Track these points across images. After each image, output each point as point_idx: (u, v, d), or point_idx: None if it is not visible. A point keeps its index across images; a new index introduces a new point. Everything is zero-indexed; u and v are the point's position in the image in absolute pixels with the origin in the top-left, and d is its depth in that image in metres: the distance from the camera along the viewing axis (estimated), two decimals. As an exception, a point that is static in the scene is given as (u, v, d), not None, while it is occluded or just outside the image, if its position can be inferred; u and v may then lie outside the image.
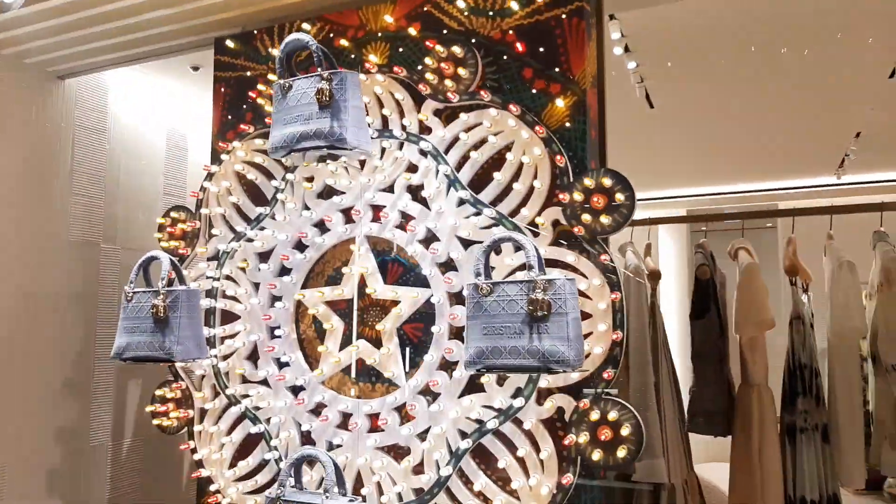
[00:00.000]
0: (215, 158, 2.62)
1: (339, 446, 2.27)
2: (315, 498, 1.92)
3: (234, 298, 2.50)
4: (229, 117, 2.63)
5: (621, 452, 1.90)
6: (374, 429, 2.26)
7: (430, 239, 2.23)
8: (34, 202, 3.02)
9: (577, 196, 2.01)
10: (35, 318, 2.98)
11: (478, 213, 2.15)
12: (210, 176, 2.57)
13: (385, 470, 2.19)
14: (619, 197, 1.96)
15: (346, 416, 2.31)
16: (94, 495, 3.41)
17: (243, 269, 2.49)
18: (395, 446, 2.22)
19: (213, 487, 2.42)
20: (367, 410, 2.24)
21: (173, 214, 2.60)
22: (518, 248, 1.96)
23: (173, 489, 3.93)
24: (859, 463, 2.32)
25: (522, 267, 2.07)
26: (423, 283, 2.25)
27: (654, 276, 2.58)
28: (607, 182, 1.97)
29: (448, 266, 2.20)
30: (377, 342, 2.30)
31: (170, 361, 2.14)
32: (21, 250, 2.95)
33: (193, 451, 2.50)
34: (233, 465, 2.44)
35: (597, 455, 1.93)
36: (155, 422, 2.53)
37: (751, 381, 2.39)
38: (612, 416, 1.91)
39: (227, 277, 2.52)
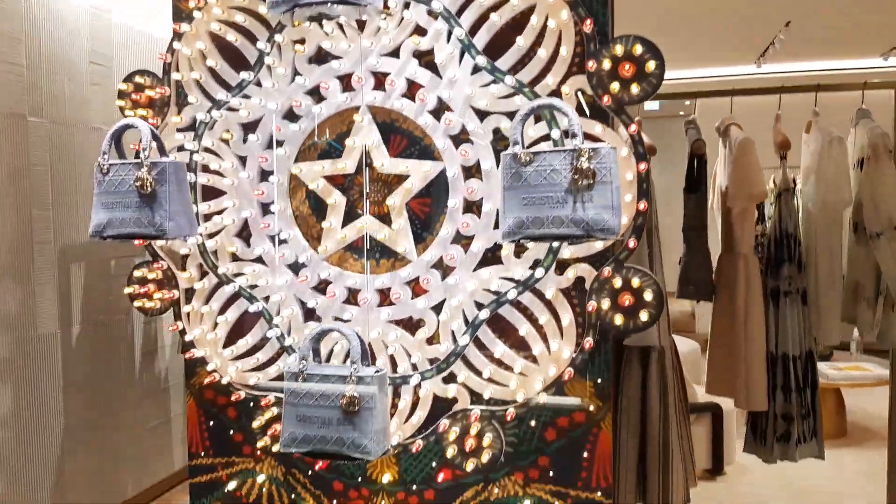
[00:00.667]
0: (178, 16, 2.31)
1: (347, 321, 2.24)
2: (342, 370, 1.90)
3: (217, 173, 2.30)
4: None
5: (644, 316, 1.99)
6: (382, 304, 2.23)
7: (441, 109, 2.12)
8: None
9: (606, 64, 1.95)
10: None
11: (495, 82, 2.06)
12: (179, 36, 2.27)
13: (399, 342, 2.20)
14: (650, 65, 1.93)
15: (352, 293, 2.26)
16: (46, 385, 3.23)
17: (226, 142, 2.28)
18: (407, 320, 2.22)
19: (209, 367, 2.33)
20: (378, 285, 2.20)
21: (138, 80, 2.30)
22: (540, 117, 1.91)
23: (127, 376, 3.79)
24: (836, 323, 2.58)
25: (545, 138, 2.03)
26: (429, 155, 2.17)
27: (651, 150, 2.64)
28: (638, 50, 1.92)
29: (457, 140, 2.12)
30: (382, 218, 2.22)
31: (161, 238, 1.97)
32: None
33: (182, 332, 2.38)
34: (227, 344, 2.36)
35: (619, 320, 2.02)
36: (136, 304, 2.37)
37: (737, 250, 2.55)
38: (636, 282, 1.99)
39: (207, 150, 2.31)
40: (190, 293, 2.38)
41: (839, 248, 2.58)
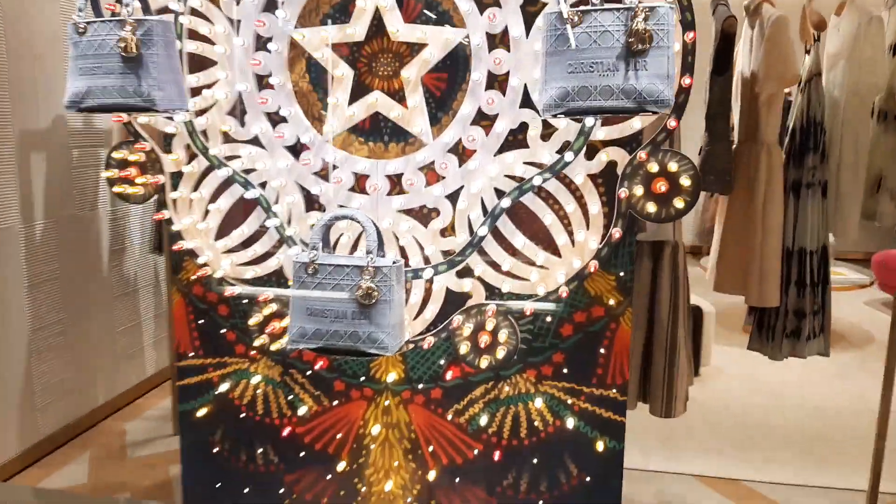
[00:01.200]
0: None
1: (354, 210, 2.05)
2: (357, 260, 1.74)
3: (207, 39, 2.02)
4: None
5: (679, 204, 1.85)
6: (393, 191, 2.05)
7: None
8: None
9: (657, -86, 1.71)
10: None
11: (527, -66, 1.80)
12: None
13: (411, 233, 2.03)
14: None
15: (359, 179, 2.06)
16: (10, 282, 3.00)
17: (216, 2, 1.99)
18: (419, 209, 2.04)
19: (200, 260, 2.14)
20: (390, 171, 2.01)
21: (105, -78, 1.96)
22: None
23: (95, 276, 3.57)
24: (855, 217, 2.50)
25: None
26: (447, 21, 1.93)
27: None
28: None
29: (479, 3, 1.87)
30: (392, 95, 2.00)
31: (149, 111, 1.72)
32: None
33: (169, 221, 2.16)
34: (220, 235, 2.16)
35: (651, 207, 1.88)
36: (116, 189, 2.13)
37: (761, 139, 2.40)
38: (672, 167, 1.83)
39: (195, 12, 2.01)
40: (177, 178, 2.15)
41: (866, 137, 2.45)
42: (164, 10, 2.00)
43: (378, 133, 2.05)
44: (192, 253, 2.18)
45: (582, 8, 1.51)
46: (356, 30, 1.93)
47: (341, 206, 2.06)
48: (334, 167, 2.04)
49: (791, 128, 2.47)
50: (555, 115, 1.60)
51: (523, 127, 1.93)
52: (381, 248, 1.77)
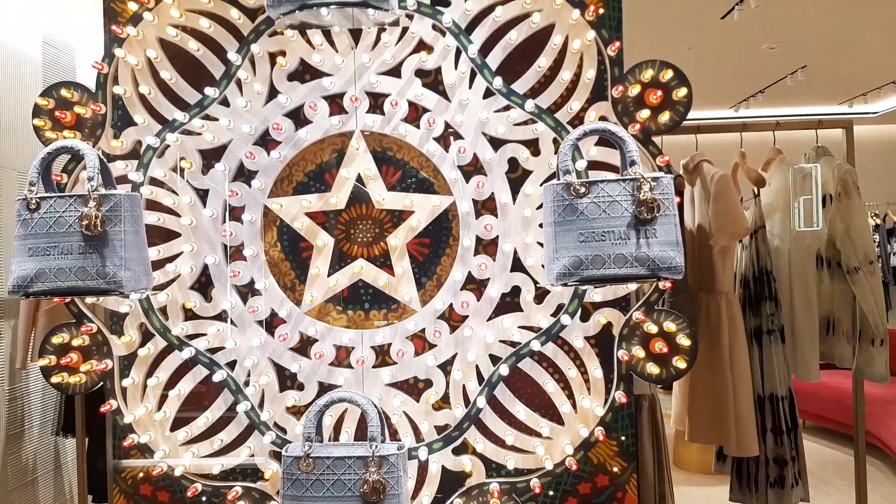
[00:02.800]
0: (110, 15, 1.88)
1: (336, 387, 1.86)
2: (358, 449, 1.54)
3: (169, 211, 1.87)
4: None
5: (680, 364, 1.81)
6: (379, 364, 1.89)
7: (444, 137, 1.87)
8: None
9: (634, 90, 1.81)
10: None
11: (510, 107, 1.84)
12: (120, 42, 1.85)
13: (402, 408, 1.85)
14: (678, 93, 1.81)
15: (340, 352, 1.89)
16: None
17: (181, 171, 1.87)
18: (408, 382, 1.89)
19: (157, 455, 1.84)
20: (378, 341, 1.86)
21: (63, 92, 1.83)
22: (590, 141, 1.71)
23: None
24: (815, 359, 2.56)
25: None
26: (427, 188, 1.90)
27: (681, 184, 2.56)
28: (668, 75, 1.79)
29: (463, 172, 1.87)
30: (373, 260, 1.90)
31: (114, 293, 1.52)
32: None
33: (116, 412, 1.87)
34: (178, 425, 1.88)
35: (654, 369, 1.82)
36: (54, 380, 1.83)
37: (717, 289, 2.47)
38: (670, 327, 1.81)
39: (155, 182, 1.87)
40: (125, 362, 1.89)
41: (814, 283, 2.59)
42: (122, 180, 1.84)
43: (358, 301, 1.93)
44: (142, 448, 1.88)
45: (589, 180, 1.52)
46: (339, 198, 1.86)
47: (329, 386, 1.87)
48: (314, 341, 1.87)
49: (743, 277, 2.58)
50: (567, 284, 1.55)
51: (515, 291, 1.87)
52: (384, 432, 1.59)
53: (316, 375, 1.87)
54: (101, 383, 1.87)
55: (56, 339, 1.84)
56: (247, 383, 1.87)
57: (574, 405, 1.86)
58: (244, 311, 1.87)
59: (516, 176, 1.88)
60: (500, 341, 1.86)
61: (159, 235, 1.88)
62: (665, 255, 1.50)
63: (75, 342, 1.84)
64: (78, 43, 3.46)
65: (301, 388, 1.88)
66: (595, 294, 1.84)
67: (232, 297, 1.87)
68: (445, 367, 1.87)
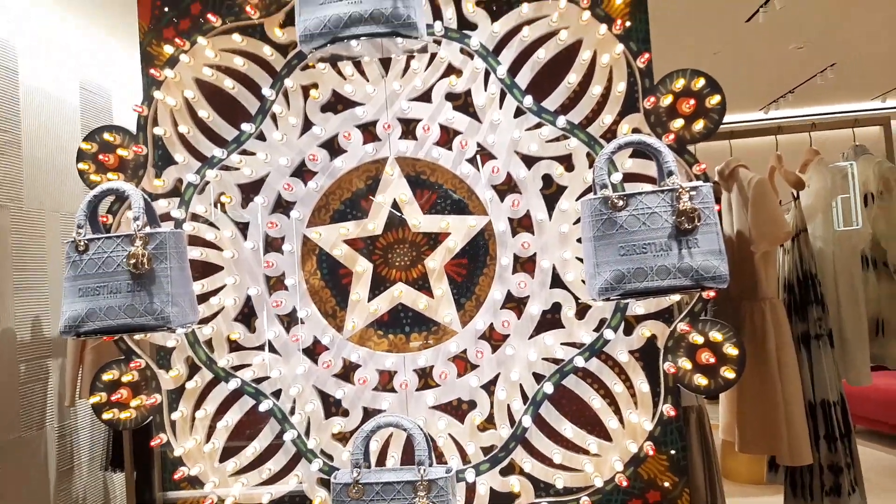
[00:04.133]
0: (147, 60, 1.95)
1: (381, 411, 1.87)
2: (406, 474, 1.54)
3: (211, 245, 1.91)
4: (166, 5, 1.96)
5: (728, 374, 1.78)
6: (422, 386, 1.89)
7: (481, 156, 1.88)
8: None
9: (666, 100, 1.80)
10: None
11: (541, 125, 1.85)
12: (158, 84, 1.90)
13: (447, 431, 1.85)
14: (711, 100, 1.79)
15: (383, 376, 1.90)
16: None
17: (221, 206, 1.91)
18: (452, 403, 1.89)
19: (208, 487, 1.86)
20: (420, 364, 1.86)
21: (106, 136, 1.89)
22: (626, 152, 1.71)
23: (40, 500, 3.11)
24: (865, 362, 2.49)
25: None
26: (463, 209, 1.91)
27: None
28: (699, 84, 1.79)
29: (497, 191, 1.87)
30: (412, 284, 1.91)
31: (162, 329, 1.55)
32: None
33: (166, 446, 1.90)
34: (227, 456, 1.91)
35: (702, 381, 1.79)
36: (106, 416, 1.87)
37: (761, 295, 2.43)
38: (716, 336, 1.78)
39: (196, 218, 1.92)
40: (173, 396, 1.92)
41: (860, 284, 2.53)
42: (164, 217, 1.89)
43: (398, 324, 1.93)
44: (193, 480, 1.90)
45: (626, 192, 1.51)
46: (376, 224, 1.88)
47: (374, 411, 1.87)
48: (357, 367, 1.89)
49: (787, 282, 2.53)
50: (609, 299, 1.54)
51: (555, 307, 1.86)
52: (431, 456, 1.59)
53: (360, 401, 1.88)
54: (151, 418, 1.90)
55: (106, 376, 1.88)
56: (292, 411, 1.89)
57: (621, 420, 1.84)
58: (287, 340, 1.89)
59: (551, 192, 1.88)
60: (542, 359, 1.85)
61: (203, 269, 1.92)
62: (709, 264, 1.48)
63: (125, 378, 1.88)
64: (113, 86, 3.58)
65: (346, 414, 1.89)
66: (637, 307, 1.82)
67: (275, 327, 1.89)
68: (489, 387, 1.86)
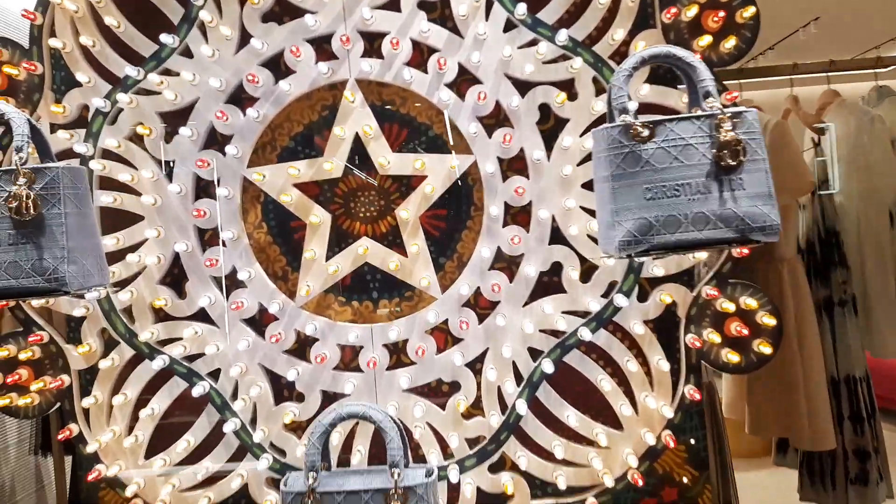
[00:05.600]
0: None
1: (345, 395, 1.53)
2: (375, 479, 1.21)
3: (128, 188, 1.53)
4: None
5: (764, 349, 1.47)
6: (393, 365, 1.55)
7: (458, 83, 1.52)
8: None
9: (689, 12, 1.45)
10: None
11: (536, 41, 1.49)
12: (55, -18, 1.49)
13: (425, 419, 1.52)
14: (744, 13, 1.44)
15: (346, 353, 1.56)
16: None
17: (139, 140, 1.52)
18: (431, 385, 1.55)
19: (130, 490, 1.51)
20: (391, 338, 1.52)
21: (-11, 50, 1.49)
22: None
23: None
24: (892, 331, 2.21)
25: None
26: (440, 148, 1.55)
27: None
28: (733, -10, 1.43)
29: (485, 122, 1.52)
30: (380, 239, 1.56)
31: (56, 294, 1.18)
32: None
33: (78, 439, 1.55)
34: (153, 451, 1.56)
35: (733, 357, 1.48)
36: (0, 402, 1.50)
37: (779, 255, 2.11)
38: (749, 303, 1.46)
39: (108, 154, 1.53)
40: (87, 377, 1.56)
41: (888, 244, 2.22)
42: (67, 154, 1.50)
43: (364, 289, 1.59)
44: (113, 481, 1.55)
45: (654, 118, 1.16)
46: (334, 164, 1.51)
47: (335, 396, 1.53)
48: (314, 341, 1.54)
49: (807, 241, 2.22)
50: (633, 256, 1.20)
51: (555, 268, 1.53)
52: (407, 454, 1.26)
53: (318, 383, 1.53)
54: (58, 404, 1.54)
55: (1, 352, 1.50)
56: (234, 396, 1.54)
57: (635, 406, 1.52)
58: (226, 308, 1.53)
59: (549, 127, 1.54)
60: (540, 331, 1.51)
61: (116, 219, 1.54)
62: (757, 211, 1.15)
63: (23, 356, 1.51)
64: None
65: (301, 399, 1.54)
66: (655, 267, 1.49)
67: (210, 292, 1.53)
68: (475, 365, 1.53)
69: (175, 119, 1.53)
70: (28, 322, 1.54)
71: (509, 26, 1.50)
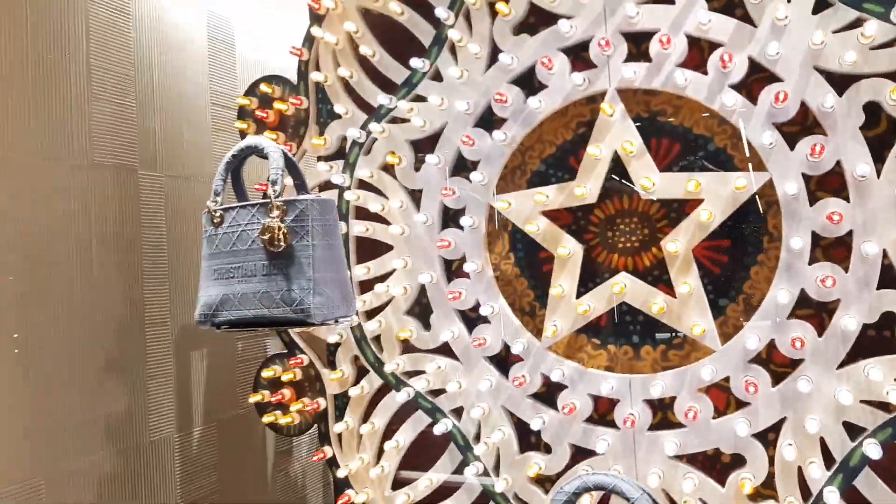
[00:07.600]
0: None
1: (596, 455, 1.32)
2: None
3: (379, 218, 1.51)
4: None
5: None
6: (658, 424, 1.31)
7: (753, 81, 1.22)
8: (41, 116, 1.96)
9: None
10: (52, 276, 2.00)
11: (861, 21, 1.12)
12: (319, 19, 1.54)
13: (697, 495, 1.24)
14: None
15: (600, 403, 1.36)
16: (162, 501, 2.55)
17: (390, 170, 1.50)
18: (706, 455, 1.27)
19: (374, 523, 1.49)
20: (654, 394, 1.28)
21: (263, 88, 1.59)
22: None
23: (258, 485, 3.06)
24: None
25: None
26: (725, 164, 1.27)
27: None
28: None
29: (785, 129, 1.19)
30: (643, 276, 1.32)
31: (301, 324, 1.18)
32: (24, 183, 1.92)
33: (331, 462, 1.57)
34: (400, 484, 1.52)
35: None
36: (266, 419, 1.60)
37: None
38: None
39: (363, 184, 1.53)
40: (342, 402, 1.58)
41: None
42: (326, 185, 1.54)
43: (623, 332, 1.37)
44: (362, 507, 1.55)
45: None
46: (587, 188, 1.31)
47: (587, 453, 1.34)
48: (562, 388, 1.36)
49: None
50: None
51: (886, 319, 1.14)
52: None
53: (567, 436, 1.35)
54: (315, 426, 1.59)
55: (266, 373, 1.60)
56: (477, 438, 1.43)
57: None
58: (468, 343, 1.43)
59: (878, 132, 1.16)
60: (861, 402, 1.14)
61: (371, 249, 1.54)
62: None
63: (285, 377, 1.58)
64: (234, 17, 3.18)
65: (548, 450, 1.38)
66: None
67: (453, 326, 1.44)
68: (766, 437, 1.21)
69: (425, 147, 1.47)
70: (291, 345, 1.61)
71: (821, 5, 1.16)
